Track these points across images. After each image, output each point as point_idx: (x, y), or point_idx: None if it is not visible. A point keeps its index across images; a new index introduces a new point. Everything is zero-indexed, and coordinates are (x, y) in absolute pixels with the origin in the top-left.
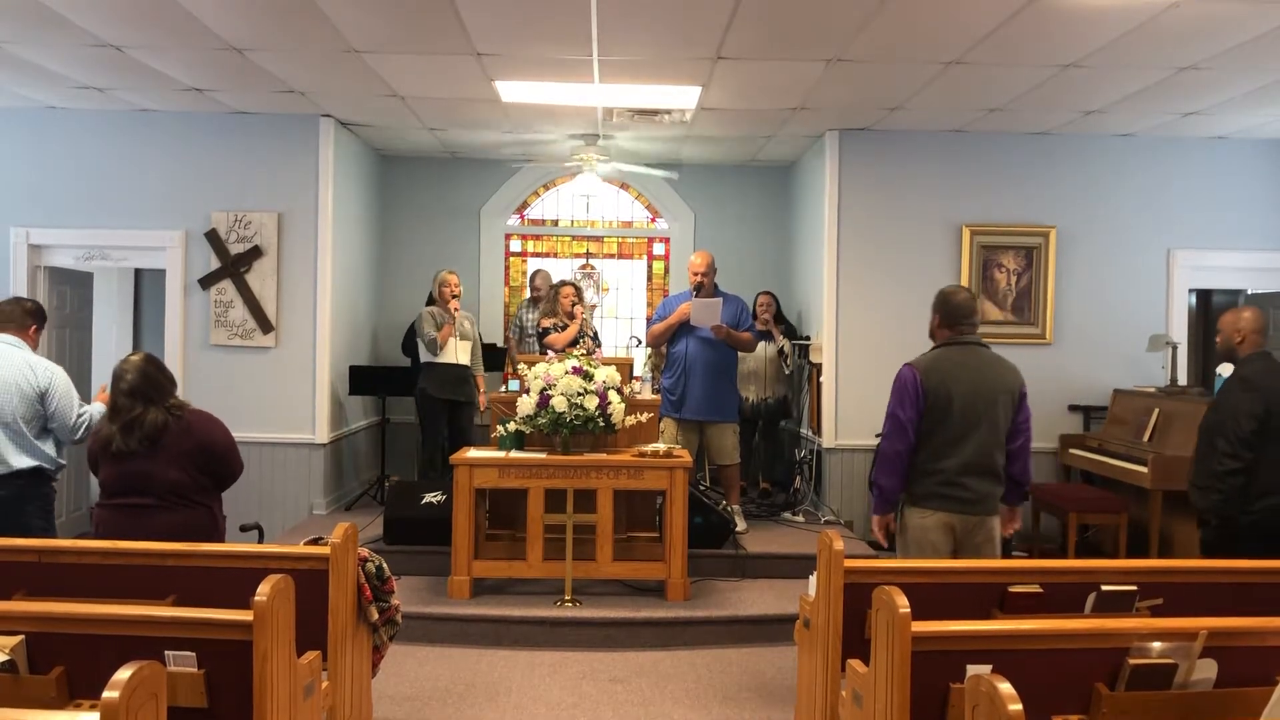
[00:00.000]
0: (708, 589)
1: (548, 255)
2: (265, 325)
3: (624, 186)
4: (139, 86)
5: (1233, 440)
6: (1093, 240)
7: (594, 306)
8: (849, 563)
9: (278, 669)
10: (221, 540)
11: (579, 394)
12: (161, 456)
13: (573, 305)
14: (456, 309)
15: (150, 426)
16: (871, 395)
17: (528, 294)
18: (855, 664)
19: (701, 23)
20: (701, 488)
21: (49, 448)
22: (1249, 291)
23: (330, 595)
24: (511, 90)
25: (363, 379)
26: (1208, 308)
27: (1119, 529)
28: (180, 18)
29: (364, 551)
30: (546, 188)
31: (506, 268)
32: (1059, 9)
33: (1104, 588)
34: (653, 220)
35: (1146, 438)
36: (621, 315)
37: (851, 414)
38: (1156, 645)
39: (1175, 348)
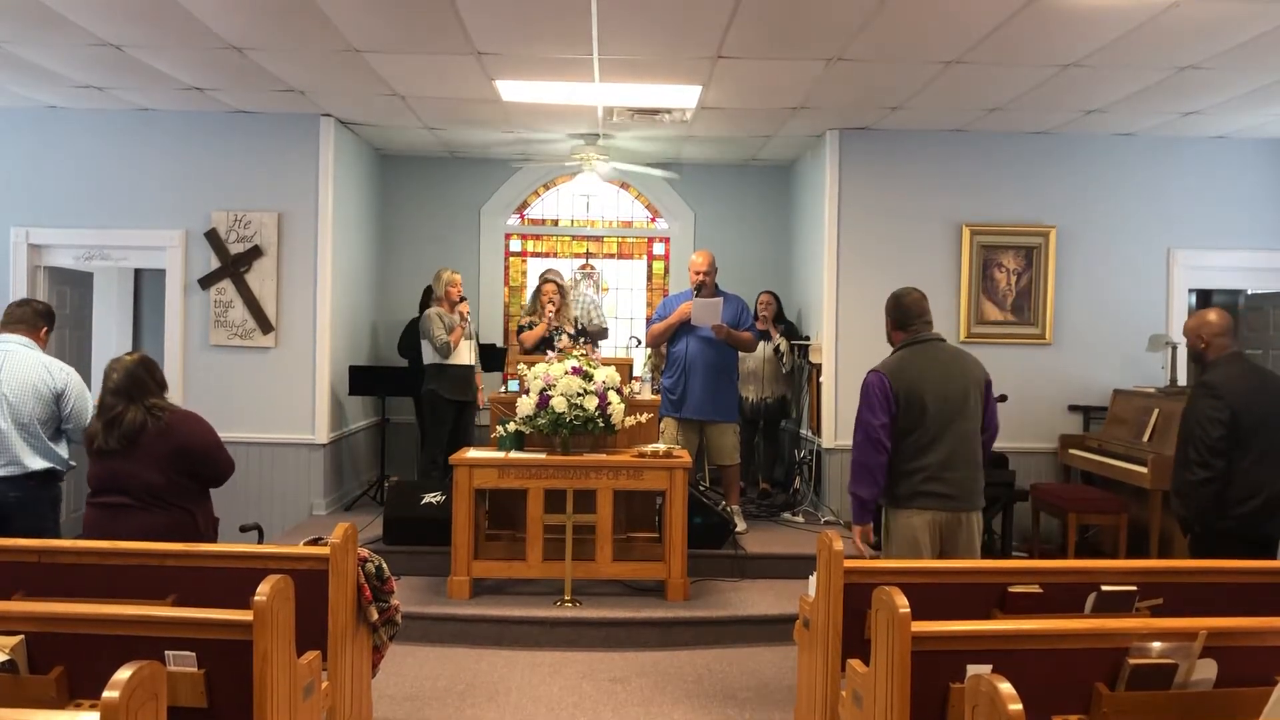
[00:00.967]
0: (708, 589)
1: (548, 255)
2: (265, 325)
3: (624, 186)
4: (139, 86)
5: (1201, 449)
6: (1093, 240)
7: (594, 305)
8: (849, 563)
9: (278, 669)
10: (206, 541)
11: (579, 394)
12: (139, 457)
13: (546, 302)
14: (467, 311)
15: (128, 425)
16: None
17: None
18: (855, 664)
19: (701, 22)
20: (701, 488)
21: (61, 449)
22: (1249, 291)
23: (330, 595)
24: (511, 90)
25: (363, 379)
26: (1203, 308)
27: (1119, 529)
28: (180, 17)
29: (364, 551)
30: (546, 187)
31: (506, 268)
32: (1059, 9)
33: (1104, 588)
34: (653, 220)
35: (1146, 438)
36: (621, 315)
37: (851, 414)
38: (1156, 645)
39: (1175, 348)
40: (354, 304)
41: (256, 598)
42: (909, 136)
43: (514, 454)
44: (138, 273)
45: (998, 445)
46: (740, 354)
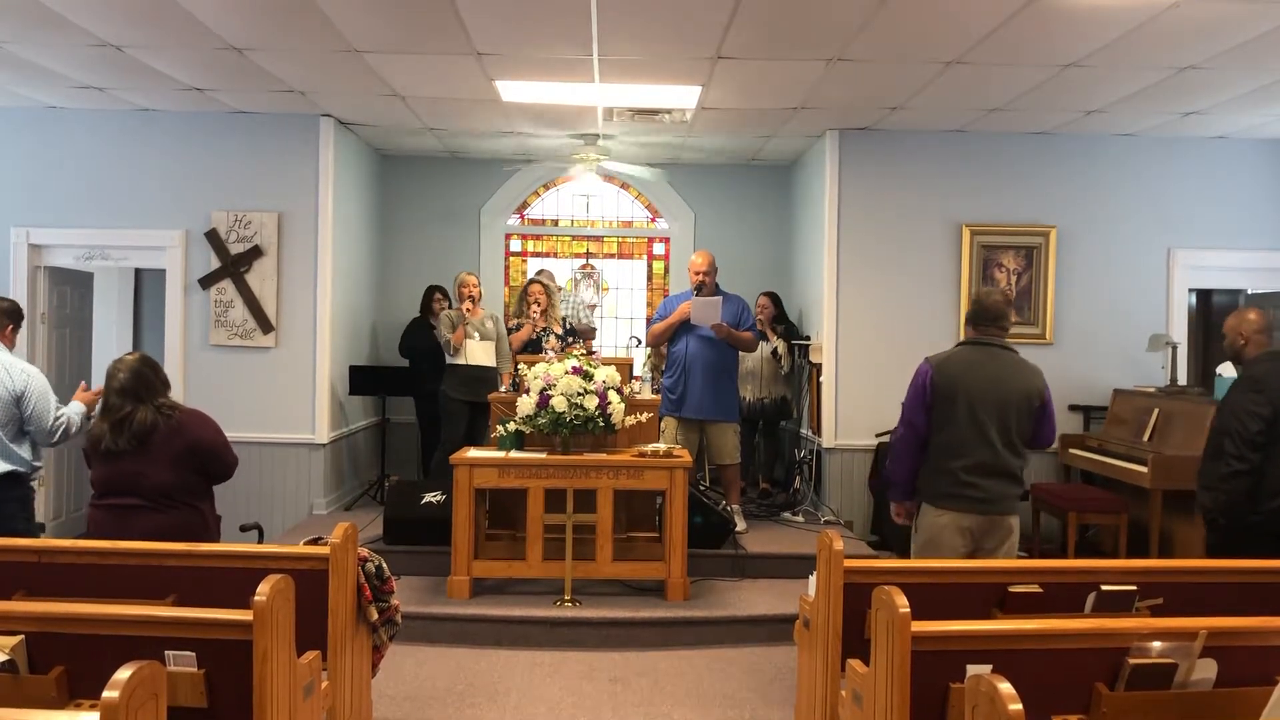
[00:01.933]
0: (708, 589)
1: (548, 255)
2: (265, 325)
3: (624, 186)
4: (139, 86)
5: (1239, 442)
6: (1093, 240)
7: (594, 306)
8: (849, 563)
9: (278, 669)
10: (214, 541)
11: (579, 394)
12: (151, 457)
13: (531, 303)
14: (469, 309)
15: (139, 426)
16: (871, 395)
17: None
18: (855, 664)
19: (701, 22)
20: (701, 488)
21: (24, 451)
22: (1249, 291)
23: (330, 595)
24: (511, 90)
25: (363, 379)
26: (1208, 307)
27: (1119, 529)
28: (180, 18)
29: (364, 551)
30: (546, 187)
31: (506, 268)
32: (1059, 9)
33: (1104, 588)
34: (653, 220)
35: (1146, 438)
36: (621, 315)
37: (851, 414)
38: (1156, 645)
39: (1175, 348)
40: (354, 304)
41: (256, 598)
42: (909, 136)
43: (514, 454)
44: (138, 273)
45: None
46: (739, 354)
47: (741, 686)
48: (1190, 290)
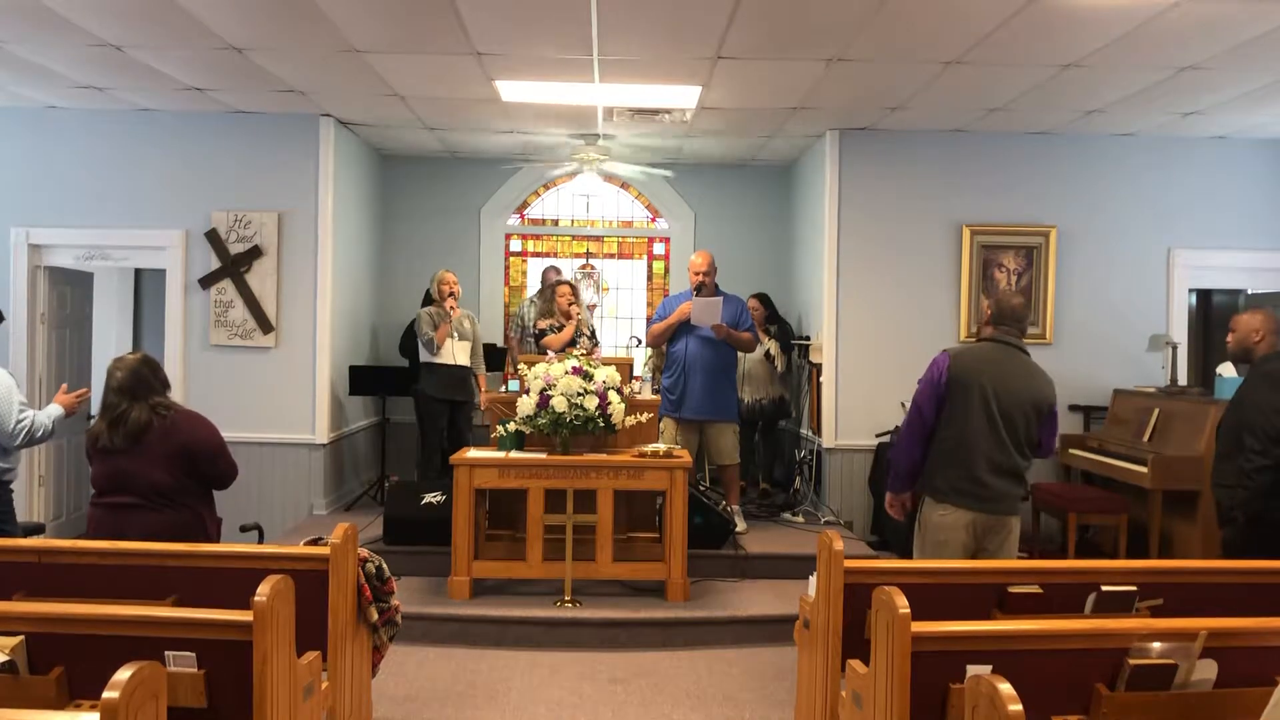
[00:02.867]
0: (708, 589)
1: (548, 255)
2: (265, 325)
3: (624, 186)
4: (139, 86)
5: (1262, 437)
6: (1093, 240)
7: (594, 306)
8: (849, 563)
9: (278, 669)
10: (212, 543)
11: (579, 394)
12: (145, 455)
13: (569, 305)
14: (453, 307)
15: (134, 424)
16: (871, 395)
17: (527, 293)
18: (855, 664)
19: (701, 22)
20: (701, 488)
21: None
22: (1249, 291)
23: (330, 595)
24: (511, 90)
25: (363, 379)
26: (1208, 308)
27: (1119, 529)
28: (180, 18)
29: (364, 552)
30: (546, 187)
31: (506, 268)
32: (1059, 9)
33: (1104, 588)
34: (653, 220)
35: (1146, 438)
36: (621, 315)
37: (851, 414)
38: (1156, 645)
39: (1175, 348)
40: (354, 304)
41: (256, 598)
42: (909, 136)
43: (514, 454)
44: (138, 273)
45: None
46: (738, 355)
47: (741, 686)
48: (1190, 290)
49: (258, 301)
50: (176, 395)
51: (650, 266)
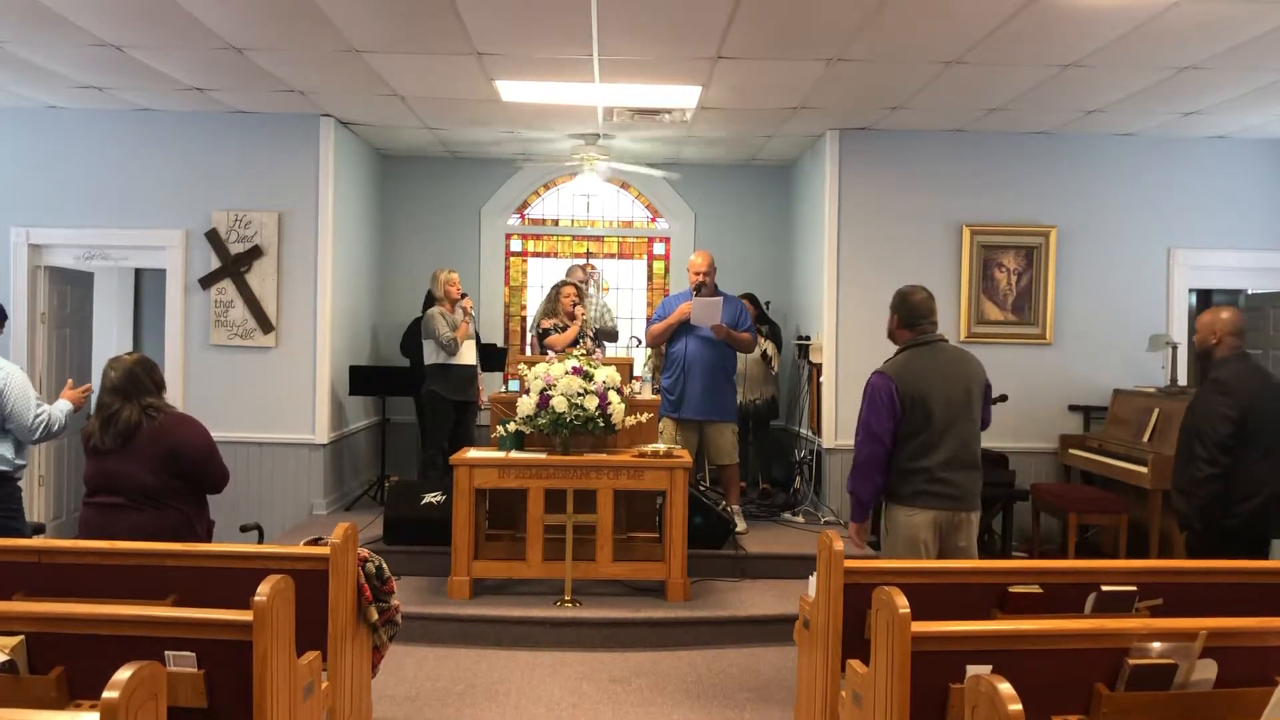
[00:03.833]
0: (708, 589)
1: (548, 255)
2: (265, 325)
3: (624, 186)
4: (139, 86)
5: (1209, 445)
6: (1093, 240)
7: (606, 307)
8: (849, 563)
9: (278, 669)
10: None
11: (579, 394)
12: (133, 456)
13: (573, 305)
14: (470, 306)
15: (124, 424)
16: None
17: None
18: (855, 664)
19: (701, 22)
20: (701, 488)
21: (5, 449)
22: (1249, 291)
23: (330, 595)
24: (512, 90)
25: (363, 379)
26: (1208, 308)
27: (1119, 529)
28: (180, 18)
29: (364, 551)
30: (546, 187)
31: (506, 268)
32: (1059, 9)
33: (1104, 588)
34: (653, 220)
35: (1146, 438)
36: (621, 315)
37: (851, 414)
38: (1156, 645)
39: (1175, 348)
40: (354, 304)
41: (256, 598)
42: (909, 136)
43: (514, 454)
44: (138, 273)
45: (998, 445)
46: (736, 355)
47: (741, 686)
48: (1190, 290)
49: (258, 301)
50: (176, 395)
51: (650, 266)
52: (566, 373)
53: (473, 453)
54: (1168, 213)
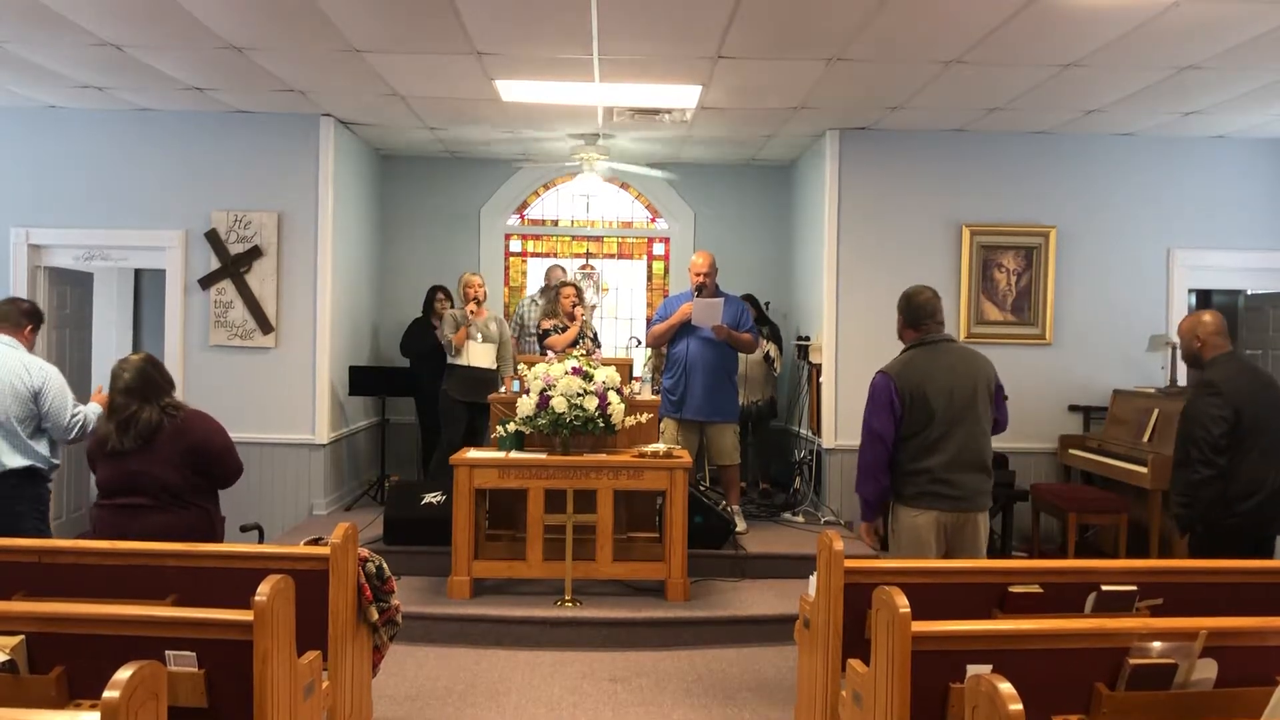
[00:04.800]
0: (708, 589)
1: (548, 255)
2: (265, 325)
3: (624, 186)
4: (139, 86)
5: (1204, 448)
6: (1093, 240)
7: (594, 307)
8: (849, 563)
9: (278, 669)
10: (219, 541)
11: (579, 394)
12: (155, 456)
13: (573, 306)
14: (473, 311)
15: (144, 425)
16: None
17: (527, 293)
18: (855, 664)
19: (702, 22)
20: (701, 488)
21: (43, 448)
22: (1249, 291)
23: (330, 595)
24: (512, 90)
25: (363, 379)
26: (1208, 308)
27: (1119, 529)
28: (180, 18)
29: (364, 551)
30: (546, 187)
31: (506, 268)
32: (1059, 9)
33: (1104, 588)
34: (653, 220)
35: (1146, 438)
36: (621, 315)
37: (851, 414)
38: (1156, 645)
39: (1175, 348)
40: (354, 304)
41: (256, 598)
42: (909, 136)
43: (514, 454)
44: (138, 273)
45: (998, 445)
46: (738, 356)
47: (741, 686)
48: (1190, 290)
49: (258, 302)
50: (176, 396)
51: (650, 267)
52: (566, 373)
53: (473, 453)
54: (1167, 213)
